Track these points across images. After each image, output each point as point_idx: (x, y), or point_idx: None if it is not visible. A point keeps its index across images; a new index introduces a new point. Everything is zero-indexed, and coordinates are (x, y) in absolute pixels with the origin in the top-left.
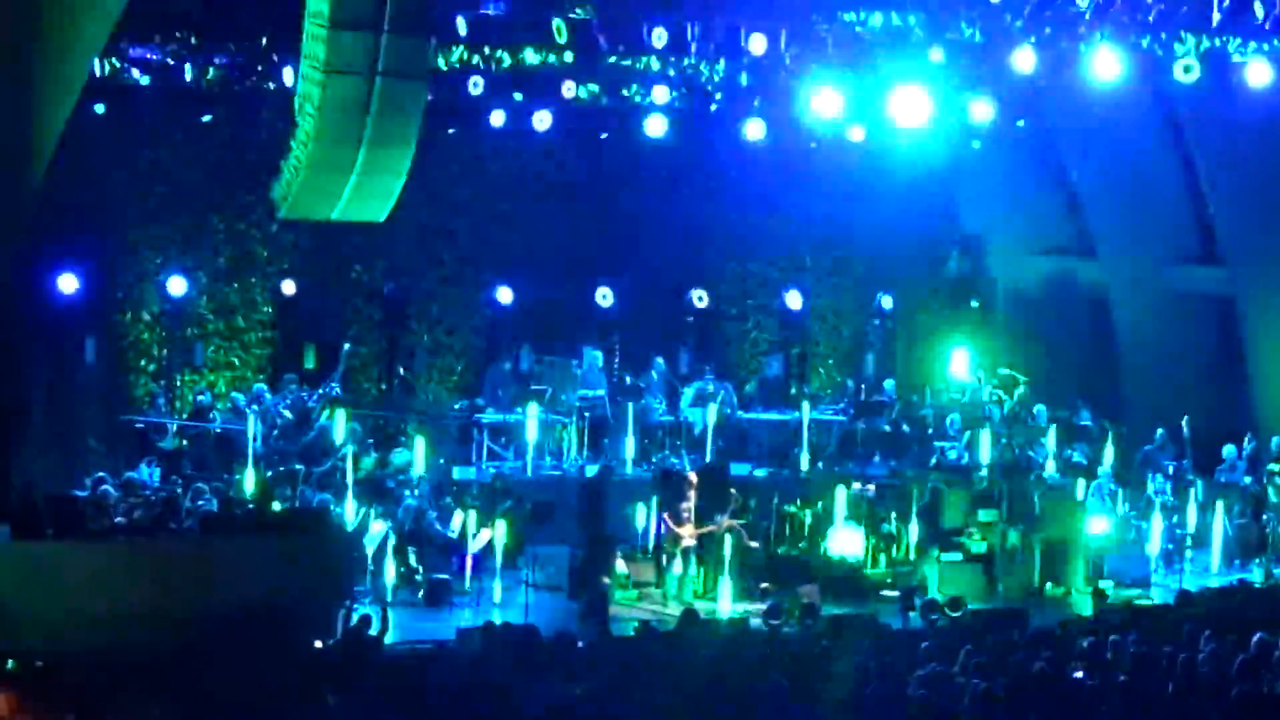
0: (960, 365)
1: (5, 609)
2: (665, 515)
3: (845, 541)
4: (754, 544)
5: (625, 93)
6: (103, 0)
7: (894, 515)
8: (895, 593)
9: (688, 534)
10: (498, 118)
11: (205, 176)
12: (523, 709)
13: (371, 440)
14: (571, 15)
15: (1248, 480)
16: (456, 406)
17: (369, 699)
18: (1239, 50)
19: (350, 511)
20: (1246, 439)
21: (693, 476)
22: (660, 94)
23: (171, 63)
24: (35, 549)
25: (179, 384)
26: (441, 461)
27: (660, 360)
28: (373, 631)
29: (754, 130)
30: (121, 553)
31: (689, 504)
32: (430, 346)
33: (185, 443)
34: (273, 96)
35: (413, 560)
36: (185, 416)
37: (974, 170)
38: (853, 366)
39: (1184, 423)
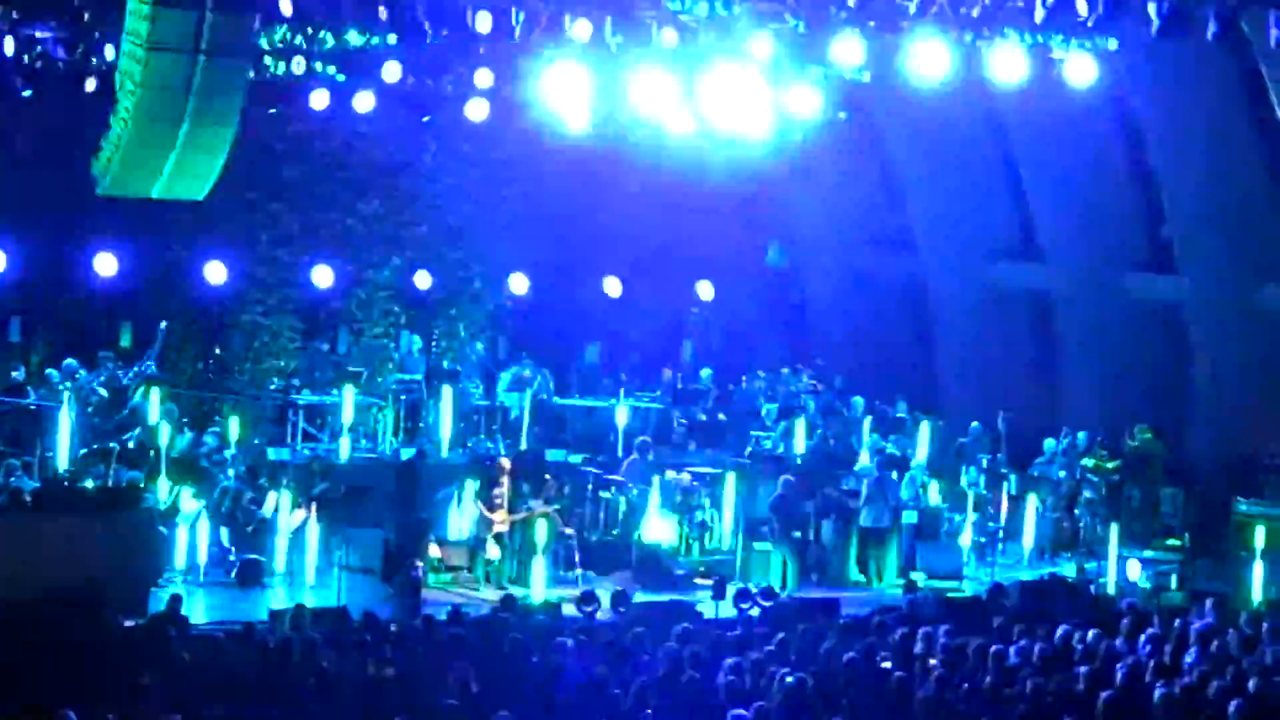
0: (777, 356)
1: None
2: (478, 501)
3: (659, 529)
4: (568, 530)
5: (447, 76)
6: None
7: (708, 504)
8: (708, 581)
9: (500, 519)
10: (320, 98)
11: (27, 151)
12: (333, 689)
13: (186, 419)
14: None
15: (1062, 474)
16: (272, 387)
17: (179, 679)
18: (1061, 46)
19: (163, 491)
20: (1063, 433)
21: (505, 462)
22: (483, 78)
23: None
24: None
25: None
26: (256, 442)
27: (478, 344)
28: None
29: (576, 119)
30: None
31: (502, 489)
32: (248, 328)
33: None
34: (94, 72)
35: (225, 540)
36: None
37: (796, 162)
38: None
39: (1000, 417)
